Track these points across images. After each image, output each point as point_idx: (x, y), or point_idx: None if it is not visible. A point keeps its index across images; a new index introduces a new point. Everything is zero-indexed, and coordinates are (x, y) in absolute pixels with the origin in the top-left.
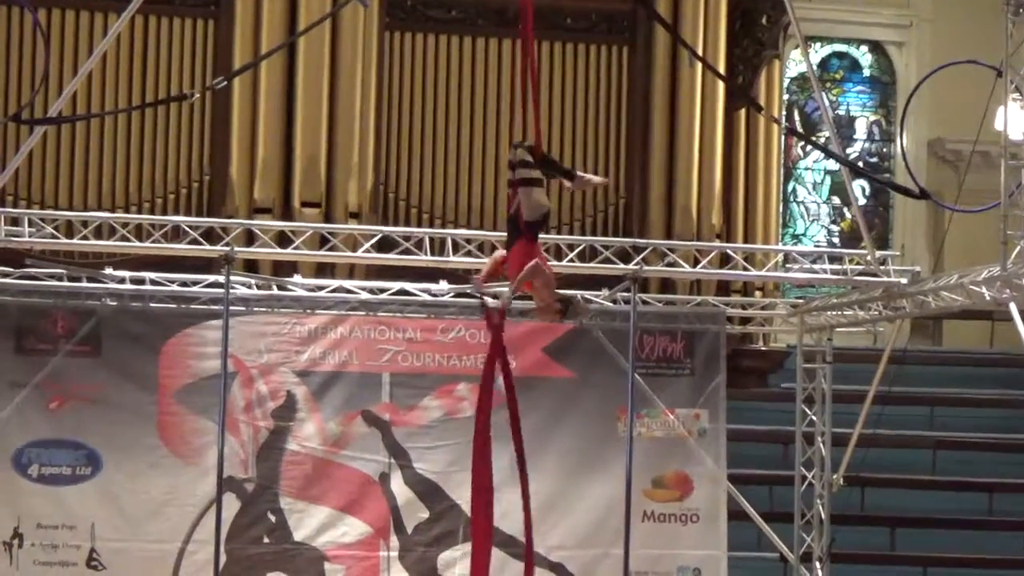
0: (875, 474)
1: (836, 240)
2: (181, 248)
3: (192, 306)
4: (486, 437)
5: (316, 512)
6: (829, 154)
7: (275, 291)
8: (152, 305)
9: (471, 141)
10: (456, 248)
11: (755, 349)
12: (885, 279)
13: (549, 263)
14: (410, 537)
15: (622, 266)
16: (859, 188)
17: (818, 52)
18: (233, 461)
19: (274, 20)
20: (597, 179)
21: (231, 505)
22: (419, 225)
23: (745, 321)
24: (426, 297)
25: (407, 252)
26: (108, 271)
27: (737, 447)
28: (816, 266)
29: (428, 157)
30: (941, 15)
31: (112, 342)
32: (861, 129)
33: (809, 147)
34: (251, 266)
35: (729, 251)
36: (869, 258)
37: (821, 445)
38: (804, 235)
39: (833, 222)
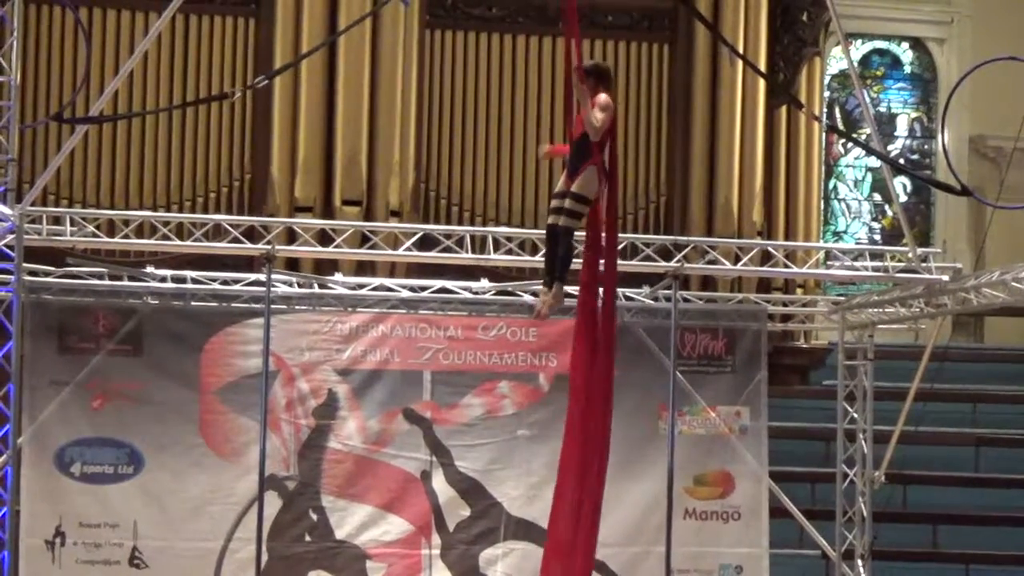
0: (917, 471)
1: (877, 237)
2: (222, 247)
3: (233, 305)
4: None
5: (358, 510)
6: (870, 151)
7: (316, 289)
8: (193, 304)
9: (512, 139)
10: (497, 246)
11: (796, 346)
12: (927, 276)
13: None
14: (452, 535)
15: (663, 264)
16: (900, 185)
17: (859, 49)
18: (275, 459)
19: (314, 19)
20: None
21: (273, 503)
22: (460, 223)
23: (786, 318)
24: (467, 295)
25: (448, 250)
26: (149, 270)
27: (778, 444)
28: (857, 263)
29: (469, 155)
30: (981, 11)
31: (153, 341)
32: (902, 126)
33: (850, 144)
34: (292, 264)
35: (770, 248)
36: (911, 255)
37: (863, 442)
38: (845, 232)
39: (874, 219)
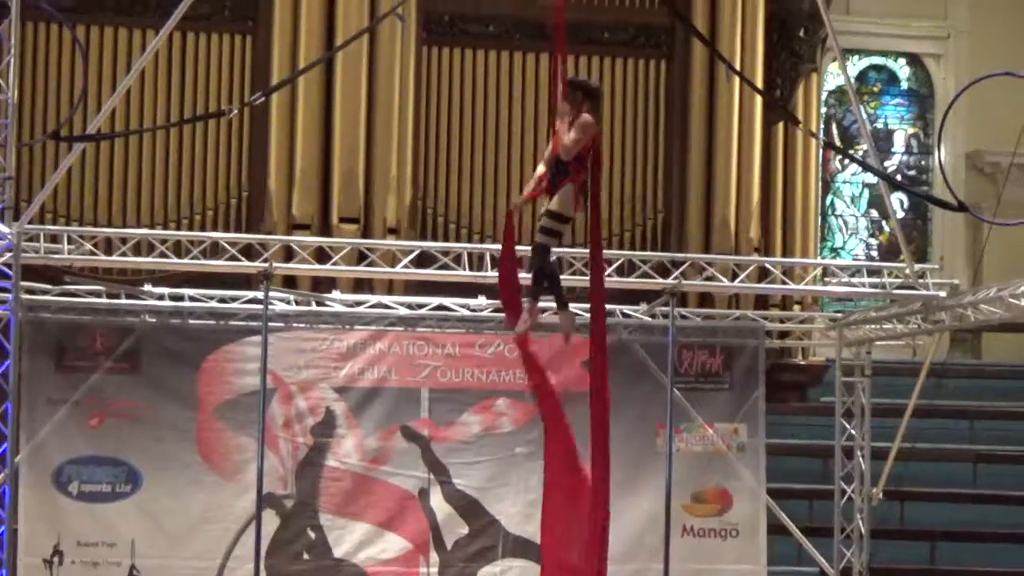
0: (915, 488)
1: (874, 253)
2: (220, 264)
3: (231, 322)
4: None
5: (356, 528)
6: (867, 167)
7: (314, 307)
8: (191, 321)
9: (509, 156)
10: (495, 263)
11: (794, 363)
12: (924, 292)
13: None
14: (450, 553)
15: (661, 281)
16: (897, 201)
17: (856, 65)
18: (273, 477)
19: (311, 36)
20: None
21: (271, 521)
22: (457, 240)
23: (784, 335)
24: (465, 312)
25: (445, 267)
26: (147, 288)
27: (776, 461)
28: (855, 280)
29: (466, 172)
30: (978, 27)
31: (151, 359)
32: (899, 142)
33: (847, 160)
34: (290, 282)
35: (768, 265)
36: (908, 271)
37: (860, 459)
38: (842, 249)
39: (871, 235)
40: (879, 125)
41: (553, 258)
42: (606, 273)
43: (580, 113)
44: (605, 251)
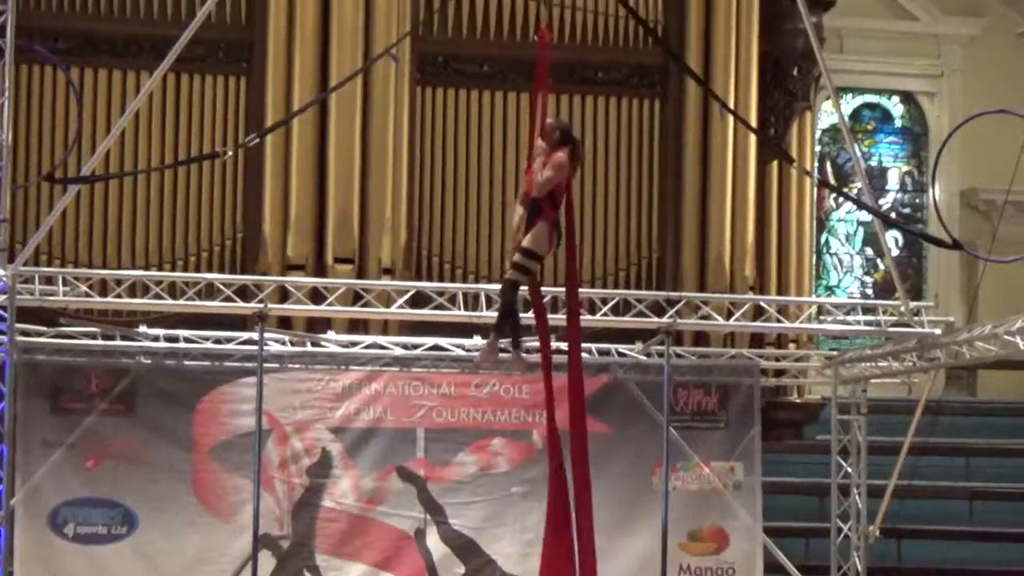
0: (911, 525)
1: (869, 291)
2: (215, 305)
3: (226, 363)
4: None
5: (352, 569)
6: (862, 205)
7: (309, 348)
8: (186, 363)
9: (504, 196)
10: (490, 303)
11: (790, 401)
12: (919, 330)
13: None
14: None
15: (656, 319)
16: (892, 239)
17: (849, 103)
18: (269, 518)
19: (306, 77)
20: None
21: (267, 563)
22: (452, 280)
23: (779, 373)
24: (460, 352)
25: (440, 307)
26: (142, 329)
27: (773, 499)
28: (850, 317)
29: (461, 212)
30: (972, 65)
31: (147, 400)
32: (893, 180)
33: (842, 198)
34: (285, 323)
35: (763, 303)
36: (903, 309)
37: (857, 497)
38: (837, 287)
39: (866, 273)
40: (873, 163)
41: (547, 298)
42: (601, 312)
43: (555, 151)
44: (600, 290)
